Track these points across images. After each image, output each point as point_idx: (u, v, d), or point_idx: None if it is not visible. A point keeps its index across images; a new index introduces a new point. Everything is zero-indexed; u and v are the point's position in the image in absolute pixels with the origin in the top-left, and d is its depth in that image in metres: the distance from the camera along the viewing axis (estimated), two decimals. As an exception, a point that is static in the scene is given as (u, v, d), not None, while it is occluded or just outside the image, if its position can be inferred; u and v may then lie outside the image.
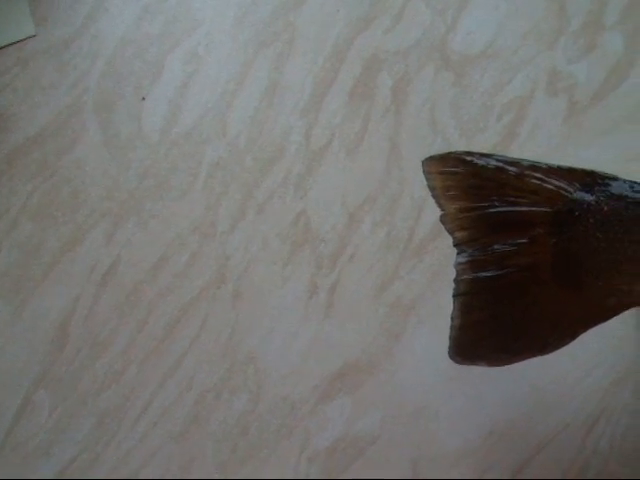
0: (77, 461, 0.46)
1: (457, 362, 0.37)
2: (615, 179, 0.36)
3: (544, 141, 0.49)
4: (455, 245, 0.37)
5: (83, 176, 0.48)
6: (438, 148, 0.48)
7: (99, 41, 0.49)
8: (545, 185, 0.36)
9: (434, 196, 0.37)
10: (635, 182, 0.36)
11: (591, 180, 0.36)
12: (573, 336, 0.36)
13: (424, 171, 0.37)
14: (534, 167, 0.36)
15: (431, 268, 0.46)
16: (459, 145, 0.48)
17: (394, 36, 0.50)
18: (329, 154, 0.48)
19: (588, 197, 0.35)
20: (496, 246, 0.36)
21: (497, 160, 0.36)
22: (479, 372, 0.46)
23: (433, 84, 0.49)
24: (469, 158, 0.37)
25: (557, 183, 0.36)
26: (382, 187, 0.47)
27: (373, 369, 0.46)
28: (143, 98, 0.49)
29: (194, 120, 0.49)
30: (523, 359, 0.36)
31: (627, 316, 0.48)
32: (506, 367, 0.48)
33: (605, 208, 0.35)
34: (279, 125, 0.49)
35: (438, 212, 0.34)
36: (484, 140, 0.48)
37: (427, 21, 0.50)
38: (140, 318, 0.47)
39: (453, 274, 0.34)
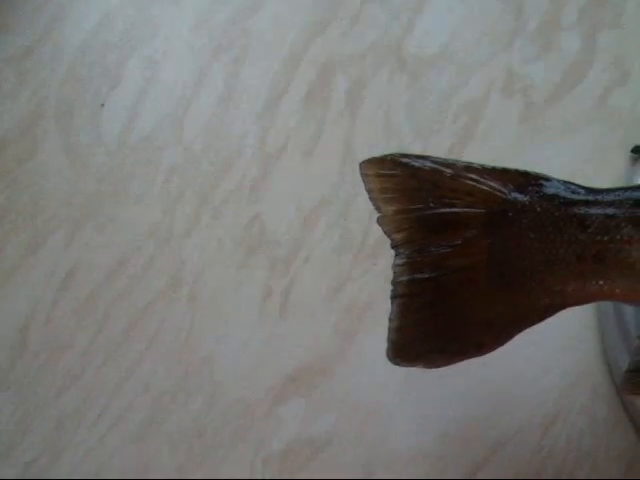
0: (37, 463, 0.46)
1: (395, 364, 0.37)
2: (548, 179, 0.36)
3: (500, 142, 0.49)
4: (393, 247, 0.38)
5: (43, 182, 0.49)
6: (393, 151, 0.48)
7: (59, 49, 0.50)
8: (480, 186, 0.36)
9: (371, 198, 0.38)
10: (568, 182, 0.36)
11: (525, 181, 0.36)
12: (508, 337, 0.36)
13: (361, 174, 0.37)
14: (469, 168, 0.36)
15: (384, 271, 0.46)
16: (414, 147, 0.48)
17: (349, 40, 0.50)
18: (284, 158, 0.48)
19: (522, 198, 0.36)
20: (432, 248, 0.37)
21: (432, 162, 0.36)
22: (433, 374, 0.46)
23: (388, 87, 0.49)
24: (405, 160, 0.37)
25: (492, 184, 0.36)
26: (336, 190, 0.48)
27: (327, 371, 0.46)
28: (102, 105, 0.50)
29: (151, 126, 0.49)
30: (460, 360, 0.37)
31: (583, 316, 0.48)
32: (461, 369, 0.48)
33: (538, 209, 0.35)
34: (235, 130, 0.49)
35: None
36: (439, 142, 0.48)
37: (383, 24, 0.50)
38: (98, 322, 0.47)
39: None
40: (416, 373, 0.45)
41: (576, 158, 0.49)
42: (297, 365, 0.47)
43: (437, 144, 0.48)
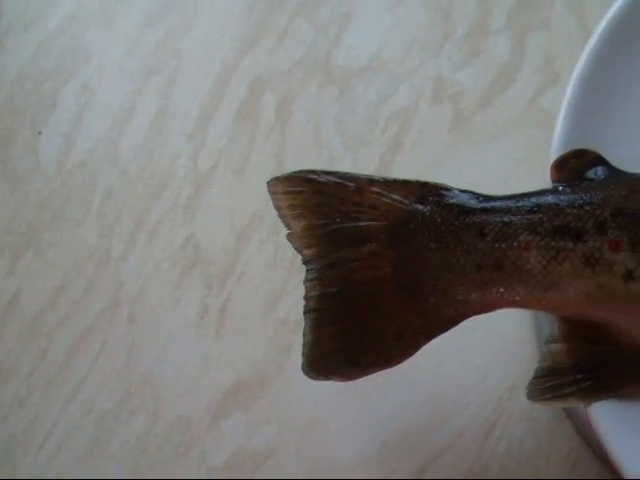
0: (-11, 486, 0.48)
1: (311, 378, 0.37)
2: (448, 189, 0.36)
3: (431, 150, 0.49)
4: (304, 263, 0.38)
5: (-16, 212, 0.50)
6: (324, 164, 0.49)
7: (-2, 79, 0.52)
8: (383, 199, 0.36)
9: (280, 216, 0.38)
10: (468, 191, 0.36)
11: (425, 191, 0.36)
12: (416, 348, 0.36)
13: (270, 191, 0.38)
14: (372, 181, 0.36)
15: (317, 283, 0.47)
16: (345, 160, 0.49)
17: (278, 56, 0.50)
18: (216, 176, 0.49)
19: (422, 209, 0.36)
20: (341, 262, 0.37)
21: (338, 177, 0.37)
22: (370, 383, 0.46)
23: (317, 101, 0.50)
24: (312, 176, 0.37)
25: (394, 196, 0.36)
26: (268, 206, 0.48)
27: (265, 385, 0.47)
28: (39, 132, 0.51)
29: (87, 151, 0.50)
30: (373, 372, 0.37)
31: (522, 320, 0.48)
32: (399, 376, 0.49)
33: (438, 219, 0.36)
34: (168, 150, 0.50)
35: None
36: (369, 153, 0.49)
37: (310, 39, 0.50)
38: (42, 346, 0.48)
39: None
40: (353, 384, 0.45)
41: (509, 161, 0.49)
42: (236, 380, 0.47)
43: (367, 155, 0.49)
